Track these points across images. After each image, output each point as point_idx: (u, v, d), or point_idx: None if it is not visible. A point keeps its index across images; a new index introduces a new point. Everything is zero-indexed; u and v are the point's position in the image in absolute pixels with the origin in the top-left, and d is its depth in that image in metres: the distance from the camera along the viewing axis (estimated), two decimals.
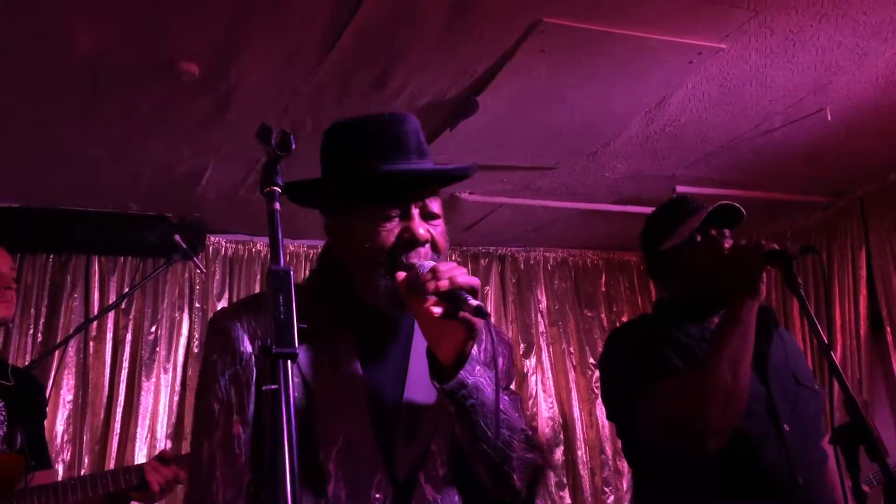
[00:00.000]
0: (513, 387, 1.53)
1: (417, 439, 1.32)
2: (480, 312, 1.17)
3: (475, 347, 1.32)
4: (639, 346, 1.97)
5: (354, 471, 1.27)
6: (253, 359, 1.32)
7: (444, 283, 1.20)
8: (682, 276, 2.04)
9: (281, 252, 1.06)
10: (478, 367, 1.26)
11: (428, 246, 1.33)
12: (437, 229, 1.36)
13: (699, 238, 1.98)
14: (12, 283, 2.67)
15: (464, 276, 1.22)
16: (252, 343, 1.33)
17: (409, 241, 1.31)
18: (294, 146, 1.13)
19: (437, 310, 1.20)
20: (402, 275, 1.27)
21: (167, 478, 2.50)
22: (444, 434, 1.34)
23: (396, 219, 1.33)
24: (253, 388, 1.31)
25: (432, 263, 1.27)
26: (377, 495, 1.27)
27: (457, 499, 1.34)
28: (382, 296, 1.32)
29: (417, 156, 1.36)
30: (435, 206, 1.37)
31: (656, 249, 2.08)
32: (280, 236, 1.07)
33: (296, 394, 1.29)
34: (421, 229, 1.32)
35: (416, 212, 1.34)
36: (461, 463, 1.34)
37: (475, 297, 1.20)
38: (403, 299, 1.27)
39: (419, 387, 1.33)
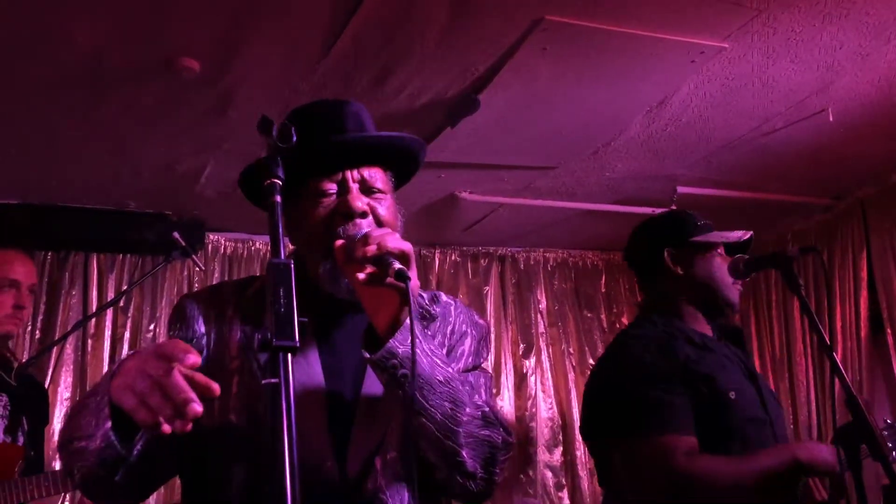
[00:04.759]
0: (485, 366, 1.48)
1: (374, 430, 1.29)
2: (402, 276, 1.15)
3: (445, 328, 1.34)
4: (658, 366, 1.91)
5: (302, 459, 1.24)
6: (204, 339, 1.33)
7: (371, 248, 1.18)
8: (699, 277, 2.09)
9: (282, 245, 1.05)
10: (412, 338, 1.20)
11: (370, 219, 1.31)
12: (382, 203, 1.35)
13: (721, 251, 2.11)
14: (27, 304, 2.63)
15: (395, 241, 1.19)
16: (206, 325, 1.34)
17: (345, 213, 1.30)
18: (295, 139, 1.12)
19: (362, 275, 1.18)
20: (339, 242, 1.25)
21: None
22: (397, 419, 1.29)
23: (334, 195, 1.32)
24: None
25: (367, 230, 1.25)
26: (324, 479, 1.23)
27: (406, 496, 1.27)
28: (324, 274, 1.31)
29: (356, 133, 1.35)
30: (378, 181, 1.36)
31: (683, 240, 2.11)
32: (281, 229, 1.06)
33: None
34: (358, 202, 1.30)
35: (354, 186, 1.33)
36: (411, 445, 1.28)
37: (405, 263, 1.17)
38: (341, 269, 1.25)
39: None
